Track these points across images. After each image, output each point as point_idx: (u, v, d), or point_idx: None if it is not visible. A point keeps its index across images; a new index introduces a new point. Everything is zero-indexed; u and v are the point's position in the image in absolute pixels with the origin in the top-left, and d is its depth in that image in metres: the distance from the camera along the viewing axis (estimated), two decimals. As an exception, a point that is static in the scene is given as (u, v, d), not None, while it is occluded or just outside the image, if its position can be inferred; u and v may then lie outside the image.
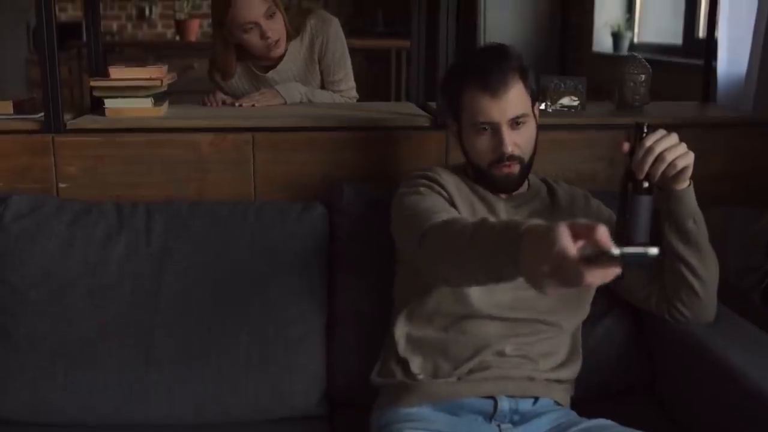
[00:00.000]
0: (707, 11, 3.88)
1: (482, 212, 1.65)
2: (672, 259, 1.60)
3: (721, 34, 3.19)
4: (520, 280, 1.59)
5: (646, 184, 1.51)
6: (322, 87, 2.50)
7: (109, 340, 1.68)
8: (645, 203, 1.51)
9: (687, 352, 1.62)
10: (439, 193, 1.61)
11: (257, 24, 2.28)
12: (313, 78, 2.50)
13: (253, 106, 2.31)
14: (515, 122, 1.60)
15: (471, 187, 1.69)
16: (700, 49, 3.75)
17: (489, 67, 1.60)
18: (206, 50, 5.20)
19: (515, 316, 1.60)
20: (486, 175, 1.65)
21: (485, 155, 1.63)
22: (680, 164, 1.49)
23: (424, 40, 2.49)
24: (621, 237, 1.53)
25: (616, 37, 4.49)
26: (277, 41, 2.33)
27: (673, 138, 1.49)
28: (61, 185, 1.94)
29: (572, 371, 1.64)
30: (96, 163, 1.94)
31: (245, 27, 2.28)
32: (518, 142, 1.61)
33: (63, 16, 5.77)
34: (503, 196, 1.69)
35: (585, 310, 1.70)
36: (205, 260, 1.75)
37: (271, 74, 2.43)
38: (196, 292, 1.72)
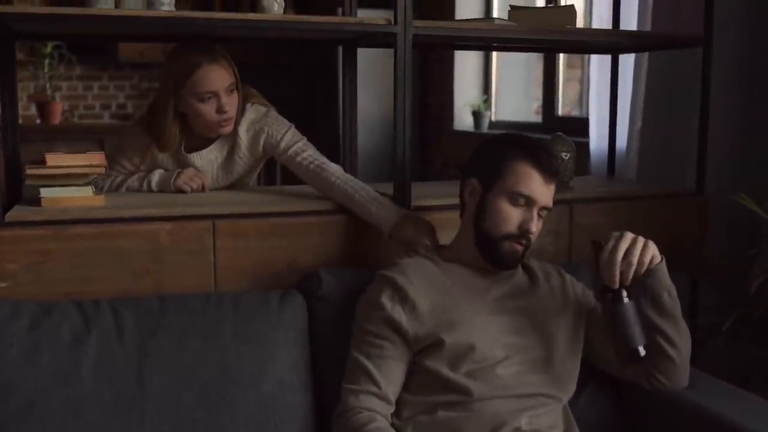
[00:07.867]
0: (564, 91, 4.20)
1: (458, 296, 1.67)
2: (649, 331, 1.68)
3: (592, 112, 3.47)
4: (512, 369, 1.62)
5: (624, 292, 1.53)
6: None
7: (97, 457, 1.51)
8: (630, 309, 1.53)
9: (677, 414, 1.68)
10: (398, 325, 1.59)
11: (217, 96, 2.14)
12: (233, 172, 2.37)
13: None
14: (543, 209, 1.67)
15: (447, 270, 1.71)
16: (562, 126, 4.05)
17: (545, 154, 1.68)
18: (72, 133, 4.88)
19: (520, 392, 1.62)
20: (494, 246, 1.67)
21: (507, 226, 1.65)
22: (646, 259, 1.55)
23: (355, 123, 2.52)
24: (619, 347, 1.60)
25: (476, 115, 4.73)
26: (230, 119, 2.20)
27: (628, 238, 1.55)
28: (0, 284, 1.75)
29: (574, 442, 1.68)
30: (40, 258, 1.77)
31: (203, 96, 2.11)
32: (538, 228, 1.68)
33: None
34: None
35: (574, 383, 1.74)
36: (188, 357, 1.63)
37: (193, 157, 2.31)
38: (184, 393, 1.60)
